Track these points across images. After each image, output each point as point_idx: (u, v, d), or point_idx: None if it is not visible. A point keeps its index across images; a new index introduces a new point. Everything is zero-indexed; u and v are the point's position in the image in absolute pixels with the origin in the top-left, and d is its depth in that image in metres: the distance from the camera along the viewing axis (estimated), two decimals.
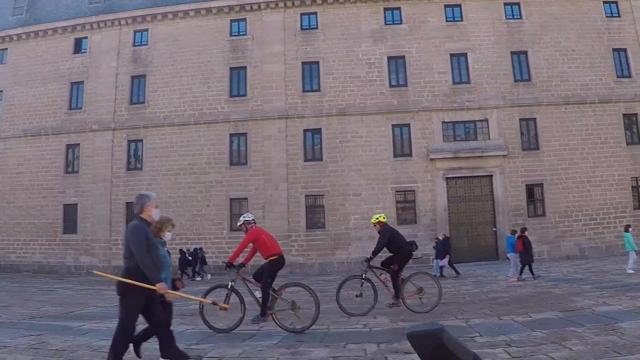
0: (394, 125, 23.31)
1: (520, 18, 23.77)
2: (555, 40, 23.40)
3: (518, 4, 23.82)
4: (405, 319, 8.22)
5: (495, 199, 22.82)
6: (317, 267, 22.65)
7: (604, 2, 23.92)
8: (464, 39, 23.63)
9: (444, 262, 17.75)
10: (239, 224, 7.88)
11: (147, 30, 25.98)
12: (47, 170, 26.05)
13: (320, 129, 23.56)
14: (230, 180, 23.80)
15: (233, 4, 24.81)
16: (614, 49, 23.50)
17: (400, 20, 24.08)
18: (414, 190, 22.88)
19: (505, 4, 23.79)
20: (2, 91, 27.72)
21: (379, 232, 8.80)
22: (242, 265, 7.59)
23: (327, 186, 23.13)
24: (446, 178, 22.87)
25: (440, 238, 18.42)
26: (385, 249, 8.95)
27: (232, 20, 25.11)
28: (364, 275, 8.45)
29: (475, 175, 22.95)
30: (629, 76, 23.35)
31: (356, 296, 8.40)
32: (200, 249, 22.13)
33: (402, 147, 23.29)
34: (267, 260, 7.64)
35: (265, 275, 7.54)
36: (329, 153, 23.35)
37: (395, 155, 23.13)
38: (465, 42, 23.58)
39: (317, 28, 24.43)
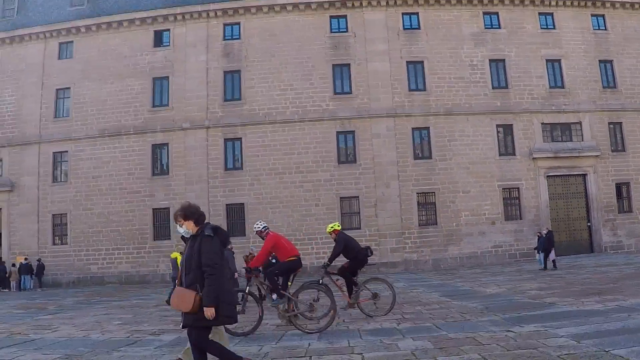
0: (497, 125, 23.02)
1: (605, 29, 24.39)
2: (637, 52, 24.23)
3: (603, 15, 24.44)
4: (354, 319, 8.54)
5: (588, 196, 23.20)
6: (431, 263, 21.81)
7: None
8: (557, 46, 23.86)
9: (552, 255, 17.64)
10: (256, 231, 8.15)
11: (238, 23, 23.85)
12: (129, 173, 23.15)
13: (429, 127, 22.76)
14: (339, 178, 22.35)
15: (335, 0, 23.42)
16: None
17: (499, 24, 23.87)
18: (518, 188, 22.72)
19: (592, 15, 24.34)
20: (69, 88, 24.41)
21: (334, 240, 8.92)
22: (259, 270, 7.77)
23: (438, 184, 22.37)
24: (547, 176, 22.95)
25: (544, 233, 18.33)
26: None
27: (331, 17, 23.61)
28: (320, 281, 8.24)
29: (572, 174, 23.26)
30: None
31: (314, 301, 8.08)
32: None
33: (505, 147, 23.06)
34: (284, 261, 7.86)
35: (276, 267, 7.80)
36: (438, 151, 22.62)
37: (500, 154, 22.86)
38: (559, 49, 23.82)
39: (419, 28, 23.60)
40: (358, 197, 22.21)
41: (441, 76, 23.19)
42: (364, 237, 21.82)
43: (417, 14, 23.82)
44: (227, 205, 22.32)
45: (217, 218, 22.24)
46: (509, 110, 23.08)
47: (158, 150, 23.31)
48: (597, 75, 23.89)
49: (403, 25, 23.70)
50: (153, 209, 22.72)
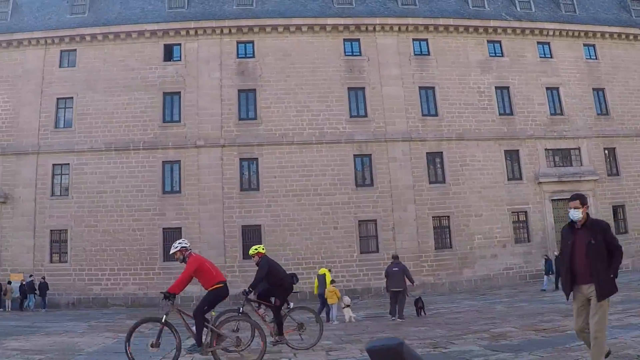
0: (505, 151, 23.29)
1: (596, 58, 25.32)
2: (625, 80, 25.30)
3: (594, 45, 25.37)
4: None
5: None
6: (447, 286, 21.62)
7: None
8: (555, 74, 24.50)
9: None
10: (172, 251, 6.56)
11: (252, 42, 22.88)
12: (138, 190, 21.54)
13: (442, 152, 22.67)
14: (357, 201, 21.78)
15: (349, 23, 22.91)
16: None
17: (502, 53, 24.23)
18: (525, 211, 23.02)
19: (584, 45, 25.20)
20: (72, 98, 22.50)
21: (257, 264, 7.99)
22: (175, 295, 6.37)
23: (452, 207, 22.28)
24: (552, 200, 23.41)
25: (555, 254, 18.64)
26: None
27: (345, 40, 23.16)
28: (241, 309, 7.31)
29: None
30: None
31: (232, 331, 7.44)
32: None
33: (513, 171, 23.32)
34: (209, 290, 6.54)
35: (203, 302, 6.52)
36: (451, 176, 22.55)
37: (508, 179, 23.10)
38: (557, 78, 24.46)
39: (429, 54, 23.56)
40: (376, 220, 21.72)
41: (452, 102, 23.22)
42: (382, 261, 21.39)
43: (426, 40, 23.79)
44: (242, 226, 21.18)
45: (232, 239, 21.17)
46: (514, 136, 23.41)
47: (169, 167, 21.85)
48: (592, 103, 24.69)
49: (414, 51, 23.57)
50: (163, 229, 21.21)
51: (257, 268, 7.97)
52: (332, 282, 13.31)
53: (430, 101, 23.18)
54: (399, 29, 23.38)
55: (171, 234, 21.22)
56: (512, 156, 23.45)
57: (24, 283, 20.05)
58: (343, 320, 12.69)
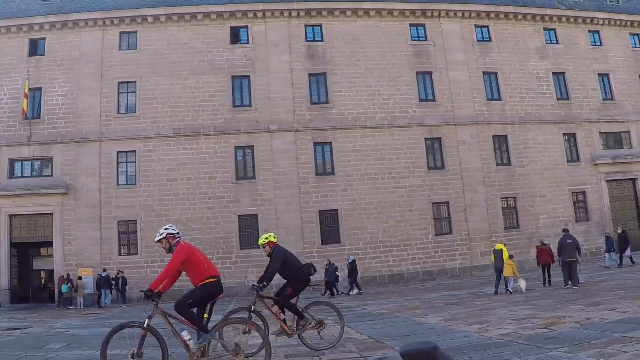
0: (563, 134, 23.45)
1: None
2: None
3: (638, 34, 25.91)
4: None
5: (637, 198, 24.38)
6: (517, 265, 21.52)
7: None
8: (605, 61, 24.83)
9: (628, 251, 18.31)
10: (157, 239, 5.33)
11: (320, 25, 22.12)
12: (211, 177, 20.48)
13: (507, 135, 22.59)
14: (430, 184, 21.44)
15: (416, 8, 22.48)
16: None
17: (557, 40, 24.38)
18: (584, 192, 23.26)
19: (630, 34, 25.69)
20: (134, 82, 21.15)
21: (268, 255, 6.81)
22: (159, 294, 5.16)
23: (518, 189, 22.26)
24: (607, 180, 23.77)
25: (618, 232, 19.00)
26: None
27: (411, 25, 22.71)
28: (252, 307, 6.37)
29: (625, 178, 24.26)
30: None
31: (243, 332, 6.53)
32: (354, 260, 18.63)
33: (571, 153, 23.54)
34: (200, 284, 5.27)
35: (187, 296, 5.26)
36: (516, 158, 22.52)
37: (567, 161, 23.29)
38: (606, 64, 24.80)
39: (490, 40, 23.43)
40: (448, 202, 21.46)
41: (513, 87, 23.18)
42: (456, 242, 21.30)
43: (487, 26, 23.65)
44: (319, 211, 20.50)
45: (310, 225, 20.46)
46: (571, 120, 23.61)
47: (241, 152, 20.88)
48: (639, 89, 25.26)
49: (476, 37, 23.43)
50: (239, 216, 20.28)
51: (267, 260, 6.81)
52: (511, 257, 13.57)
53: (493, 86, 23.06)
54: (462, 15, 23.12)
55: (247, 221, 20.38)
56: (570, 139, 23.66)
57: (100, 276, 18.70)
58: (517, 289, 12.94)
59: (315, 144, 21.07)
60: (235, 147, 20.75)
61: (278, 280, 6.93)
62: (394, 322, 9.38)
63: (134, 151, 20.67)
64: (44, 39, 21.95)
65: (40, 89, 21.38)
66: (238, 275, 19.93)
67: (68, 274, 18.90)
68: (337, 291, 18.08)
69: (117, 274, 18.79)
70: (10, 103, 21.44)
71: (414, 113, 21.91)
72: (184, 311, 5.11)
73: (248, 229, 20.28)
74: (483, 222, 21.61)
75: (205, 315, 5.31)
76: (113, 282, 18.99)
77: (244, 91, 21.31)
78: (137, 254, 20.18)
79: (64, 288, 18.07)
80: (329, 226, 20.61)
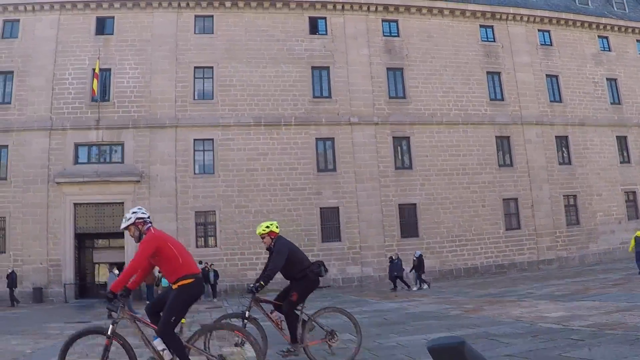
0: (616, 137, 24.12)
1: None
2: None
3: None
4: None
5: None
6: (577, 260, 22.09)
7: None
8: None
9: None
10: (124, 225, 4.29)
11: (396, 21, 21.76)
12: (292, 168, 19.77)
13: (567, 136, 23.01)
14: (500, 181, 21.54)
15: (486, 10, 22.50)
16: None
17: (609, 48, 25.00)
18: (634, 191, 24.00)
19: None
20: (211, 67, 20.09)
21: (268, 249, 5.48)
22: (128, 292, 4.22)
23: (578, 187, 22.73)
24: None
25: None
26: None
27: (481, 26, 22.74)
28: (247, 313, 5.08)
29: None
30: None
31: (235, 345, 5.18)
32: (421, 255, 18.30)
33: (623, 155, 24.22)
34: (175, 286, 4.16)
35: (168, 314, 4.09)
36: (576, 158, 22.97)
37: (620, 162, 23.95)
38: None
39: (552, 45, 23.76)
40: (517, 198, 21.65)
41: (573, 90, 23.64)
42: (524, 237, 21.53)
43: (549, 31, 23.98)
44: (399, 205, 20.20)
45: (390, 218, 20.14)
46: (623, 124, 24.32)
47: (321, 144, 20.25)
48: None
49: (539, 41, 23.71)
50: (320, 208, 19.68)
51: (267, 255, 5.60)
52: None
53: (555, 88, 23.42)
54: (527, 19, 23.35)
55: (329, 214, 19.84)
56: (622, 141, 24.35)
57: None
58: None
59: (394, 137, 20.74)
60: (316, 138, 20.12)
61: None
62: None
63: (212, 139, 19.68)
64: (113, 17, 20.54)
65: (109, 70, 20.01)
66: None
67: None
68: (408, 285, 17.51)
69: (206, 267, 17.81)
70: (76, 84, 19.96)
71: (485, 111, 21.96)
72: (172, 341, 4.01)
73: (329, 221, 19.74)
74: (548, 218, 21.95)
75: (184, 321, 4.41)
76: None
77: (324, 82, 20.69)
78: (215, 246, 19.24)
79: (164, 282, 16.96)
80: (408, 220, 20.37)
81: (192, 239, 19.21)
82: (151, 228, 4.22)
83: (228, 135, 19.72)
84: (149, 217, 4.28)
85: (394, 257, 17.88)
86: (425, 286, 17.07)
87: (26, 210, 18.87)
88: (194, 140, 19.67)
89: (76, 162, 19.61)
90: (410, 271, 17.97)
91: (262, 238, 5.42)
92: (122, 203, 19.29)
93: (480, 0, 22.81)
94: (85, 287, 20.88)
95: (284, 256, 5.25)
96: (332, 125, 20.28)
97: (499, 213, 21.34)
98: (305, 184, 19.78)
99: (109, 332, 3.93)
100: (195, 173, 19.55)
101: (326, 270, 5.53)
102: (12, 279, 17.30)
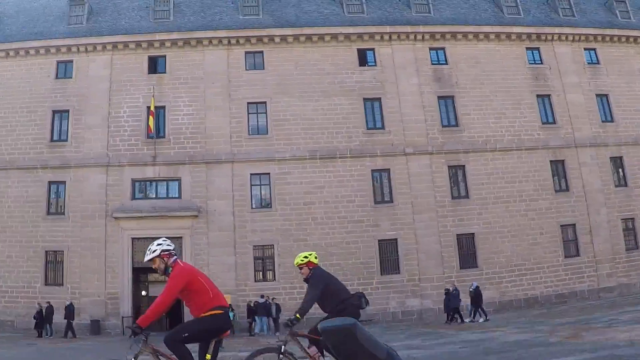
0: None
1: None
2: None
3: None
4: None
5: None
6: (638, 286, 21.42)
7: None
8: None
9: None
10: (148, 257, 4.21)
11: (443, 48, 21.67)
12: (349, 200, 19.62)
13: (622, 156, 22.46)
14: (557, 206, 21.06)
15: (531, 32, 22.28)
16: None
17: None
18: None
19: None
20: (264, 102, 20.16)
21: (305, 280, 5.33)
22: (148, 331, 4.04)
23: (635, 209, 22.10)
24: None
25: None
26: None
27: (527, 48, 22.48)
28: (282, 347, 4.77)
29: None
30: None
31: None
32: (477, 287, 17.72)
33: None
34: (202, 315, 4.12)
35: (183, 328, 4.15)
36: (632, 179, 22.33)
37: None
38: None
39: (598, 63, 23.40)
40: (574, 224, 21.10)
41: (624, 109, 23.12)
42: (583, 264, 20.95)
43: (595, 49, 23.63)
44: (457, 235, 19.87)
45: (448, 249, 19.79)
46: None
47: (377, 176, 20.09)
48: None
49: (586, 60, 23.38)
50: (378, 240, 19.45)
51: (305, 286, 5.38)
52: None
53: (605, 107, 22.95)
54: (573, 38, 23.06)
55: (387, 246, 19.60)
56: None
57: (254, 304, 17.49)
58: None
59: (449, 167, 20.49)
60: (371, 170, 19.98)
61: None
62: None
63: (268, 173, 19.66)
64: (164, 56, 20.87)
65: (163, 107, 20.28)
66: (379, 302, 19.01)
67: (229, 304, 17.54)
68: (462, 318, 16.90)
69: (267, 300, 17.61)
70: (131, 121, 20.22)
71: (538, 135, 21.60)
72: (176, 347, 3.87)
73: (388, 254, 19.47)
74: (606, 243, 21.32)
75: (208, 357, 4.07)
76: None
77: (376, 113, 20.61)
78: (274, 280, 19.09)
79: (230, 315, 16.79)
80: (467, 250, 20.00)
81: (251, 273, 19.12)
82: (178, 261, 4.17)
83: (284, 169, 19.68)
84: (174, 250, 4.23)
85: (450, 289, 17.51)
86: (480, 319, 16.59)
87: (84, 245, 19.14)
88: (250, 174, 19.68)
89: (133, 197, 19.76)
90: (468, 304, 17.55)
91: (300, 269, 5.32)
92: (181, 237, 19.35)
93: (525, 22, 22.67)
94: None
95: (320, 287, 5.10)
96: (387, 156, 20.12)
97: (558, 240, 20.81)
98: (362, 216, 19.58)
99: None
100: (252, 207, 19.53)
101: (367, 303, 5.36)
102: (69, 311, 17.50)
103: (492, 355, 7.89)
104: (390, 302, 19.03)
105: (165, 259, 4.14)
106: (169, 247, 4.17)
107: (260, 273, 19.30)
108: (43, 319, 17.30)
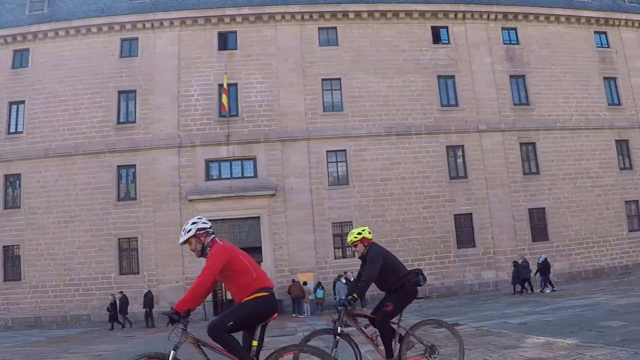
0: None
1: None
2: None
3: None
4: None
5: None
6: None
7: None
8: None
9: None
10: (182, 239, 3.82)
11: (514, 28, 21.64)
12: (425, 176, 19.70)
13: None
14: (622, 183, 21.42)
15: (600, 17, 22.34)
16: None
17: None
18: None
19: None
20: (339, 79, 20.01)
21: (361, 258, 4.94)
22: (189, 313, 3.63)
23: None
24: None
25: None
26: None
27: (595, 32, 22.56)
28: (339, 328, 4.49)
29: None
30: None
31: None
32: (546, 259, 18.05)
33: None
34: (246, 300, 3.74)
35: (228, 316, 3.74)
36: None
37: None
38: None
39: None
40: (638, 200, 21.53)
41: None
42: None
43: None
44: (529, 209, 20.11)
45: (520, 223, 20.10)
46: None
47: (452, 151, 20.15)
48: None
49: None
50: (454, 215, 19.61)
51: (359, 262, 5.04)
52: None
53: None
54: (639, 24, 23.13)
55: (462, 220, 19.81)
56: None
57: (343, 281, 17.52)
58: None
59: (520, 144, 20.64)
60: (446, 146, 20.04)
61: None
62: None
63: (344, 150, 19.61)
64: (235, 32, 20.48)
65: (235, 84, 19.95)
66: (456, 275, 19.32)
67: (319, 282, 17.65)
68: (532, 289, 17.43)
69: (341, 277, 17.69)
70: (202, 100, 19.90)
71: (604, 116, 21.81)
72: (221, 337, 3.55)
73: (463, 228, 19.67)
74: None
75: (255, 343, 3.72)
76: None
77: (450, 91, 20.60)
78: (353, 256, 19.10)
79: (320, 293, 16.89)
80: (538, 224, 20.28)
81: (330, 250, 19.19)
82: (216, 239, 3.76)
83: (360, 146, 19.64)
84: (210, 228, 3.81)
85: (520, 261, 17.82)
86: (547, 290, 17.01)
87: (158, 230, 18.83)
88: (326, 152, 19.60)
89: (208, 178, 19.53)
90: (534, 274, 17.89)
91: (355, 246, 4.91)
92: (258, 217, 19.29)
93: (593, 6, 22.71)
94: (215, 304, 20.74)
95: (378, 264, 4.68)
96: (461, 132, 20.18)
97: (622, 215, 21.19)
98: (438, 191, 19.70)
99: (170, 359, 3.44)
100: (329, 184, 19.50)
101: (425, 279, 4.93)
102: (148, 299, 17.11)
103: (621, 315, 7.95)
104: (467, 275, 19.30)
105: (201, 238, 3.72)
106: (205, 225, 3.75)
107: (340, 250, 19.37)
108: (116, 311, 16.76)
